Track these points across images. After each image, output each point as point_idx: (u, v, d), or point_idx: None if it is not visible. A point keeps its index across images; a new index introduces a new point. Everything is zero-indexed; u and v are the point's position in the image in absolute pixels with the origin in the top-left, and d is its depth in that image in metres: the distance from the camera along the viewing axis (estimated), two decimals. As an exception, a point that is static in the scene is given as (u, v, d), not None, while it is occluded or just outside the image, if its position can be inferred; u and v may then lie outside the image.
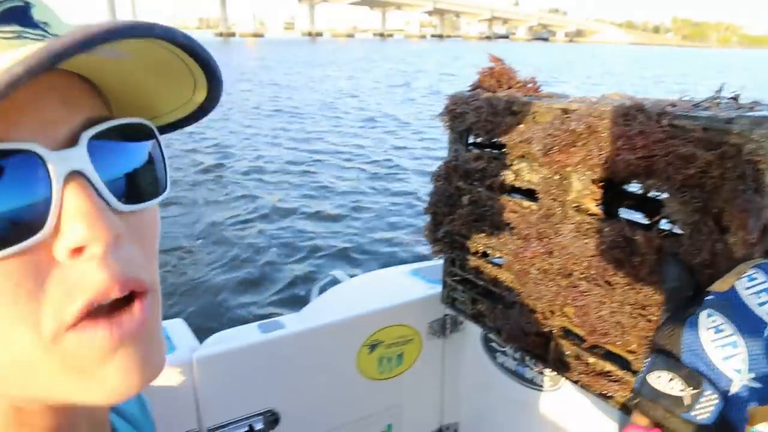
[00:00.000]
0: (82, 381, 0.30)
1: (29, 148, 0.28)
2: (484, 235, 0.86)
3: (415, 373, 1.14)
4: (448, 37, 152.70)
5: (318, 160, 7.60)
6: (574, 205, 0.72)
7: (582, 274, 0.71)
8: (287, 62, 29.90)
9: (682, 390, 0.47)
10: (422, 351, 1.13)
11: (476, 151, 0.87)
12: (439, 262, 1.02)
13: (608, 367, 0.71)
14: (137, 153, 0.34)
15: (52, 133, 0.29)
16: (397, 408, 1.15)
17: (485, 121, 0.82)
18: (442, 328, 1.13)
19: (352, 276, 1.52)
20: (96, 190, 0.30)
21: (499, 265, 0.86)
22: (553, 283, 0.75)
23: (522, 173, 0.79)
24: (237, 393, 0.94)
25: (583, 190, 0.70)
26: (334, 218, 5.40)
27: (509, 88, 0.86)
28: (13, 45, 0.28)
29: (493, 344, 1.08)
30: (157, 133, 0.36)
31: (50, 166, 0.28)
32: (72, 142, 0.30)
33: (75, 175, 0.29)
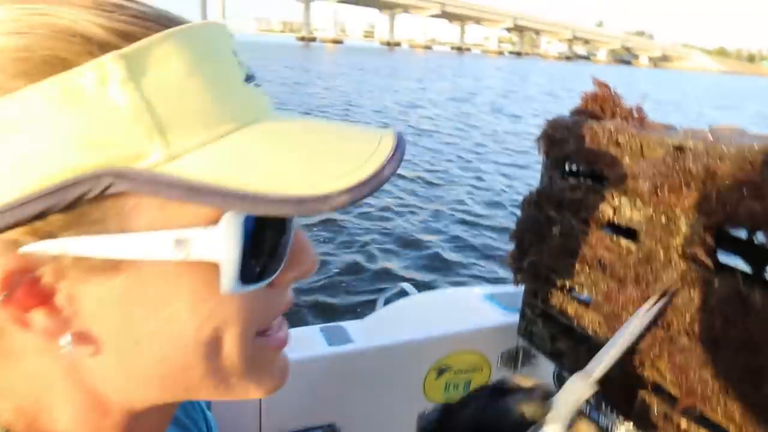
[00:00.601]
0: (255, 381, 0.38)
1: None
2: (573, 270, 0.81)
3: None
4: (527, 54, 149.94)
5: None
6: (681, 251, 0.66)
7: (684, 328, 0.65)
8: (362, 69, 30.28)
9: None
10: (490, 381, 1.08)
11: (573, 180, 0.82)
12: (515, 288, 0.98)
13: None
14: None
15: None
16: None
17: (587, 150, 0.77)
18: (514, 360, 1.08)
19: (420, 290, 1.48)
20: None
21: (586, 304, 0.81)
22: (648, 334, 0.69)
23: (623, 210, 0.74)
24: (300, 403, 0.94)
25: (693, 235, 0.65)
26: (409, 229, 5.33)
27: (613, 115, 0.81)
28: (266, 103, 0.35)
29: (567, 384, 1.02)
30: None
31: (292, 222, 0.35)
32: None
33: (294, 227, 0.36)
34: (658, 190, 0.67)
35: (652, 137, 0.70)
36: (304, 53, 51.89)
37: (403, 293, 1.45)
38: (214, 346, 0.34)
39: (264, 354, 0.38)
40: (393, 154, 0.32)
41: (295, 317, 3.41)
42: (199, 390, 0.37)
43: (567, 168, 0.84)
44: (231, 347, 0.35)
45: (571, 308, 0.83)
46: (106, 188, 0.28)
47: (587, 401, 0.55)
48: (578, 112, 0.83)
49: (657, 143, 0.69)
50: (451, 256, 4.73)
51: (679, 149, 0.66)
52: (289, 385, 0.95)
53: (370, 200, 5.74)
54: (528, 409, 0.51)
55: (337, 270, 4.20)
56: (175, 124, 0.29)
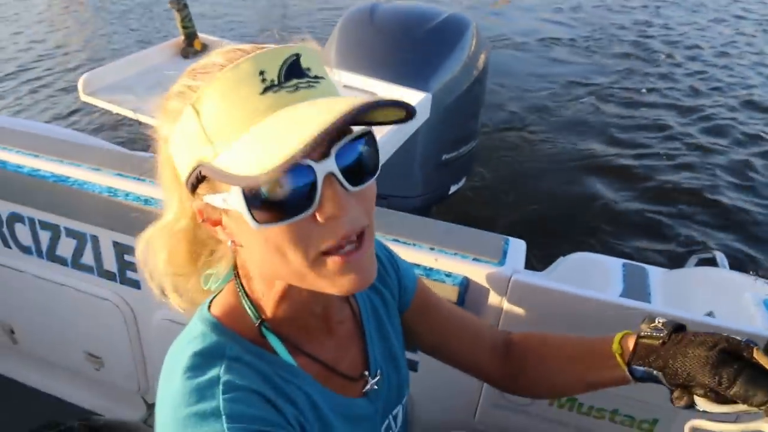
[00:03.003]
0: (327, 283, 0.57)
1: (308, 164, 0.51)
2: None
3: None
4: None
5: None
6: None
7: None
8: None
9: None
10: None
11: None
12: None
13: None
14: (362, 148, 0.56)
15: (319, 149, 0.52)
16: None
17: None
18: None
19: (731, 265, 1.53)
20: (339, 181, 0.53)
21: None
22: None
23: None
24: (543, 321, 1.10)
25: None
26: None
27: None
28: (298, 97, 0.52)
29: None
30: (374, 135, 0.57)
31: (317, 172, 0.51)
32: (327, 154, 0.52)
33: (329, 174, 0.52)
34: None
35: None
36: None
37: (713, 262, 1.52)
38: (281, 257, 0.55)
39: (324, 266, 0.55)
40: (325, 132, 0.45)
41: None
42: (296, 281, 0.59)
43: None
44: (293, 259, 0.55)
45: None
46: (200, 172, 0.54)
47: None
48: None
49: None
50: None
51: None
52: (530, 302, 1.11)
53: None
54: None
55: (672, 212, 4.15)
56: (215, 135, 0.52)
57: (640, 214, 4.15)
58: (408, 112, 0.53)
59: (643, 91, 6.51)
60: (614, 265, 1.34)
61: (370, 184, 0.57)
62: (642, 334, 0.72)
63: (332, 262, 0.55)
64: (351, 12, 2.76)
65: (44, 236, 1.54)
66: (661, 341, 0.69)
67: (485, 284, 1.13)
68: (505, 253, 1.15)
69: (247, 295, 0.65)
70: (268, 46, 0.55)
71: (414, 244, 1.17)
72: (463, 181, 3.07)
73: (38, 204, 1.49)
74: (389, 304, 0.83)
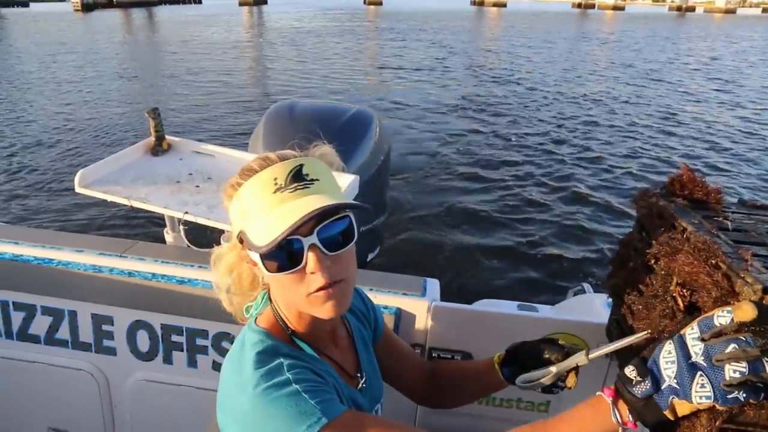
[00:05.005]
0: (316, 310, 0.85)
1: (298, 238, 0.80)
2: (630, 296, 1.17)
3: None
4: None
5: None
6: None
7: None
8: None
9: (635, 376, 0.75)
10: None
11: (646, 242, 1.08)
12: None
13: None
14: (339, 227, 0.83)
15: (306, 228, 0.80)
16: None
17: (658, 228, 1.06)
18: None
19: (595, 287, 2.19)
20: (320, 249, 0.81)
21: (631, 323, 1.25)
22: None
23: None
24: (456, 335, 1.48)
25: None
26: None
27: (691, 194, 1.12)
28: (295, 195, 0.81)
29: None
30: (351, 215, 0.85)
31: (304, 244, 0.81)
32: (312, 231, 0.80)
33: (312, 245, 0.81)
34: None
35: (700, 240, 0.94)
36: (580, 22, 50.23)
37: (583, 291, 2.18)
38: (288, 293, 0.86)
39: (313, 301, 0.83)
40: (303, 223, 0.77)
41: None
42: (300, 308, 0.88)
43: (645, 231, 1.12)
44: (293, 295, 0.85)
45: (625, 323, 1.25)
46: (240, 235, 0.87)
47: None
48: (665, 188, 1.14)
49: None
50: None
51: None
52: (448, 322, 1.62)
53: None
54: (550, 353, 1.06)
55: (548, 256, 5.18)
56: (248, 217, 0.84)
57: (530, 262, 5.12)
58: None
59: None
60: (511, 306, 1.82)
61: (346, 250, 0.85)
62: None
63: (316, 297, 0.83)
64: (272, 109, 3.16)
65: (17, 317, 1.69)
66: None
67: (413, 311, 1.52)
68: (425, 289, 1.56)
69: (278, 314, 0.93)
70: (287, 153, 0.87)
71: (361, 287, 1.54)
72: (378, 249, 3.46)
73: (15, 286, 1.65)
74: (367, 334, 1.14)
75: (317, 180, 0.85)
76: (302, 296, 0.84)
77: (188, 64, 14.07)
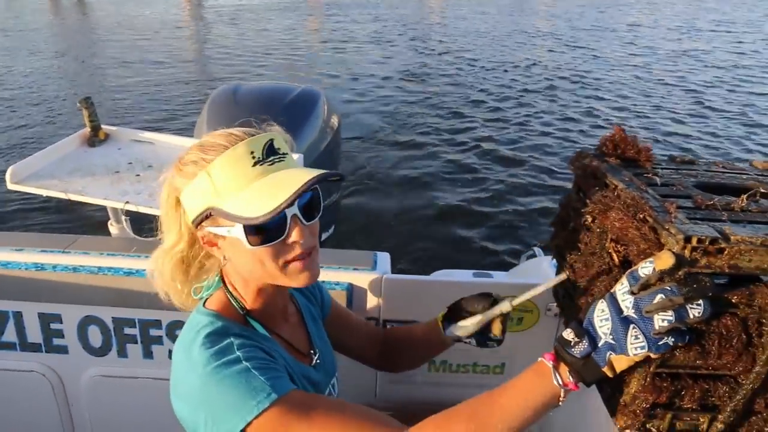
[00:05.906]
0: (290, 280, 0.89)
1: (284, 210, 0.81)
2: (571, 254, 1.30)
3: (527, 335, 1.57)
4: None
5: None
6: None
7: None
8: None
9: (572, 337, 0.77)
10: (539, 323, 1.56)
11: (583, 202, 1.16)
12: None
13: None
14: (313, 198, 0.88)
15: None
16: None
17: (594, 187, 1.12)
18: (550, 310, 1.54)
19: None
20: (300, 219, 0.85)
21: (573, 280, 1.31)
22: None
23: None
24: (410, 306, 1.51)
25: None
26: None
27: (623, 153, 1.15)
28: (274, 168, 0.84)
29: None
30: (318, 186, 0.86)
31: (287, 215, 0.84)
32: (293, 203, 0.80)
33: (294, 215, 0.85)
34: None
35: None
36: None
37: (534, 255, 2.33)
38: (261, 266, 0.86)
39: (291, 271, 0.87)
40: (297, 196, 0.78)
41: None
42: (269, 280, 0.90)
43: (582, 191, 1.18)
44: (270, 267, 0.86)
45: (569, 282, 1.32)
46: (210, 212, 0.85)
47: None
48: (598, 148, 1.16)
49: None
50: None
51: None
52: (402, 295, 1.63)
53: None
54: (479, 303, 1.16)
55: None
56: (223, 191, 0.83)
57: (485, 230, 5.26)
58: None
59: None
60: (467, 275, 1.86)
61: (317, 220, 0.90)
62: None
63: (293, 266, 0.87)
64: (216, 93, 3.10)
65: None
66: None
67: (364, 286, 1.53)
68: (375, 263, 1.57)
69: (232, 295, 0.94)
70: (250, 129, 0.87)
71: None
72: (332, 228, 3.47)
73: None
74: (315, 310, 1.18)
75: (287, 154, 0.88)
76: (277, 268, 0.86)
77: (124, 48, 13.38)
